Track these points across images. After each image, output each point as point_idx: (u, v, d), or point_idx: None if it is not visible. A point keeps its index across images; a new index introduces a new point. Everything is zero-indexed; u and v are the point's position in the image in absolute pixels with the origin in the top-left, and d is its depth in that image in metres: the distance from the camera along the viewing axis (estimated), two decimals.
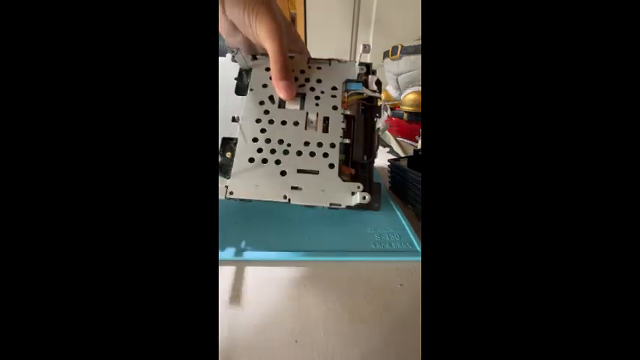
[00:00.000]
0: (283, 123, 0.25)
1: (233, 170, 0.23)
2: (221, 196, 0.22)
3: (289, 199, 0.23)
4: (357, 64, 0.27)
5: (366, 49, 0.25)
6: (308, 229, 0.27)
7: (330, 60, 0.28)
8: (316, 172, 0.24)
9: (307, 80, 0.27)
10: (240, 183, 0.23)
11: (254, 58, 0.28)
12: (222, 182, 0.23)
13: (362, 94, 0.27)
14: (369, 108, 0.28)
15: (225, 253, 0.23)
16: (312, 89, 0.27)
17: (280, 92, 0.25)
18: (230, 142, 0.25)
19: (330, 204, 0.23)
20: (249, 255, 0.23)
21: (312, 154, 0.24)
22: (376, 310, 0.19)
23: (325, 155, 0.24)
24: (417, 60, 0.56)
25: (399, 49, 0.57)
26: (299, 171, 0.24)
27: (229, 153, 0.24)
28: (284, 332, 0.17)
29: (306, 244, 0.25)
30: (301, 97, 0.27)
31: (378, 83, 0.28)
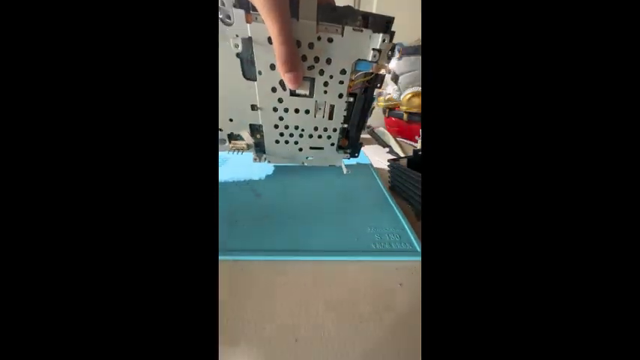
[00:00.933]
0: (296, 111, 0.29)
1: (266, 147, 0.33)
2: (261, 162, 0.34)
3: (305, 164, 0.36)
4: (371, 48, 0.25)
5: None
6: (308, 229, 0.27)
7: (343, 27, 0.24)
8: (322, 148, 0.34)
9: (316, 60, 0.25)
10: (273, 155, 0.34)
11: (247, 13, 0.22)
12: (261, 154, 0.34)
13: (370, 74, 0.27)
14: (371, 88, 0.29)
15: (225, 253, 0.23)
16: (322, 72, 0.26)
17: (286, 83, 0.25)
18: (256, 127, 0.31)
19: (329, 165, 0.36)
20: (249, 254, 0.23)
21: (320, 136, 0.33)
22: (376, 310, 0.19)
23: (329, 137, 0.33)
24: (416, 60, 0.56)
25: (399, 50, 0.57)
26: (311, 147, 0.34)
27: (259, 135, 0.32)
28: (284, 331, 0.17)
29: (306, 244, 0.25)
30: (310, 81, 0.27)
31: (393, 49, 0.26)
